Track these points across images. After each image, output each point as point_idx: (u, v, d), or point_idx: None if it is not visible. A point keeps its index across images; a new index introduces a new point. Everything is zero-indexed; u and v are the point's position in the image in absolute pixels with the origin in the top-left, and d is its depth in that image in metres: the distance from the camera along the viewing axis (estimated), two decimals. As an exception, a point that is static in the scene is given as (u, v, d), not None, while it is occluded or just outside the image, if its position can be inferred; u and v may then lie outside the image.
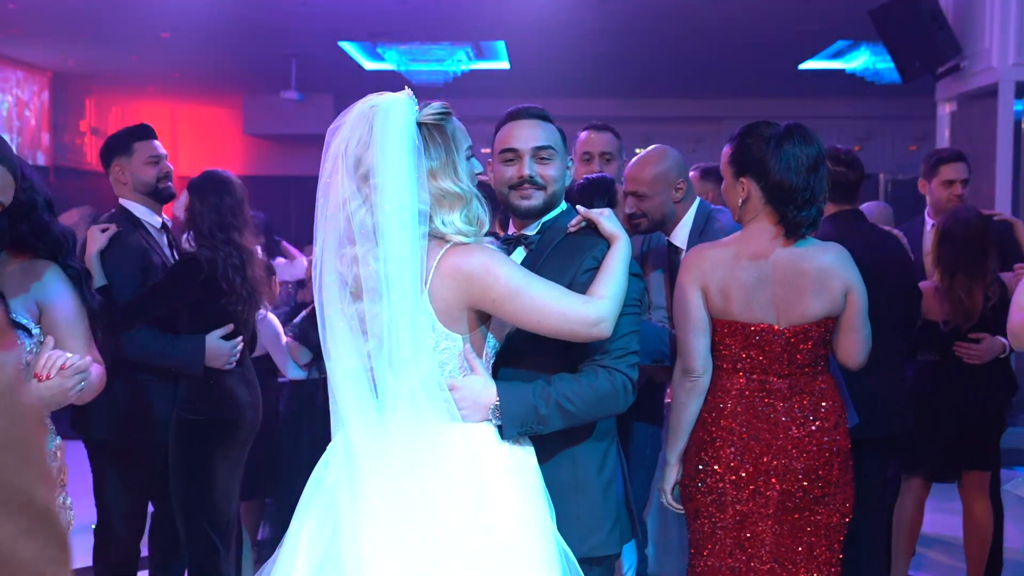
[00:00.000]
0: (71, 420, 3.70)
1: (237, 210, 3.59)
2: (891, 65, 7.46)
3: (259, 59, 9.80)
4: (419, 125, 2.12)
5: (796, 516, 2.73)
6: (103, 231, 3.56)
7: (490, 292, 2.09)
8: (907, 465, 4.09)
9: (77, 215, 6.12)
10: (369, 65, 10.19)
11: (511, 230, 2.52)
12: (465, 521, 2.03)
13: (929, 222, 4.47)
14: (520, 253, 2.45)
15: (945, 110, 7.32)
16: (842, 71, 10.27)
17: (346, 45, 9.41)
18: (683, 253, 3.26)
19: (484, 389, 2.13)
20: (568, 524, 2.26)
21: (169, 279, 3.53)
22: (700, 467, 2.79)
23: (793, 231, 2.70)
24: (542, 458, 2.28)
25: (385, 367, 2.06)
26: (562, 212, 2.46)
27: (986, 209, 4.82)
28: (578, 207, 2.40)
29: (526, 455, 2.20)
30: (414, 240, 2.06)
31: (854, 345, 2.80)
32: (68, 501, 2.41)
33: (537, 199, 2.40)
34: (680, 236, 3.35)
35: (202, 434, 3.54)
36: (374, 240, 2.06)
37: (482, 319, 2.17)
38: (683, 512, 2.87)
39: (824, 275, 2.71)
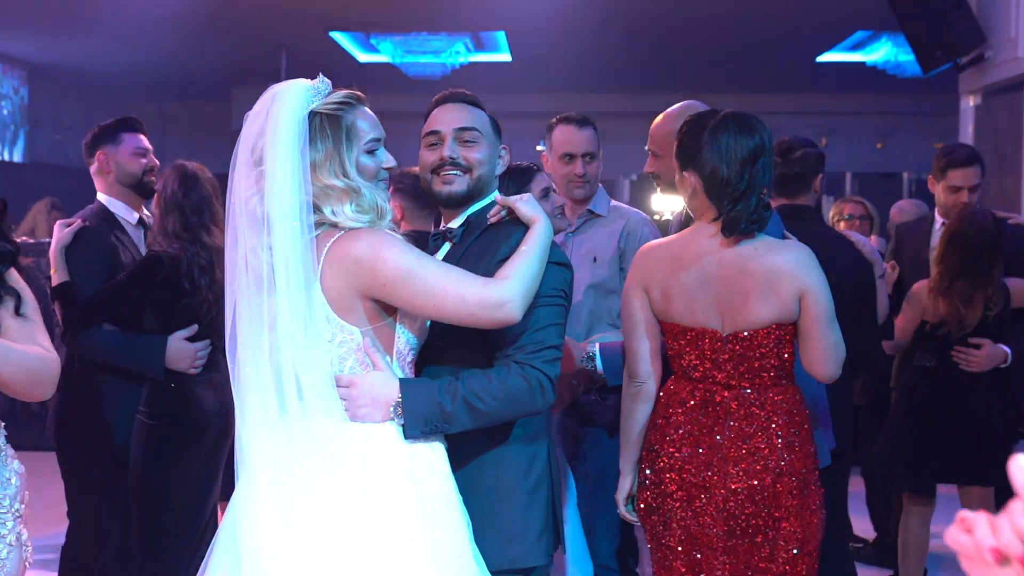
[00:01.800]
0: (46, 424, 3.75)
1: (204, 207, 3.58)
2: (913, 57, 7.46)
3: (247, 51, 9.83)
4: (313, 114, 2.13)
5: (746, 542, 2.64)
6: (68, 226, 3.59)
7: (378, 276, 2.08)
8: (904, 480, 4.06)
9: (35, 209, 6.20)
10: (363, 57, 10.21)
11: (441, 225, 2.49)
12: (356, 531, 2.01)
13: (939, 220, 4.38)
14: (446, 248, 2.43)
15: (969, 103, 7.31)
16: (862, 64, 10.26)
17: (338, 36, 9.43)
18: None
19: (384, 385, 2.11)
20: (489, 533, 2.24)
21: (129, 276, 3.54)
22: (646, 480, 2.74)
23: (730, 227, 2.62)
24: (463, 462, 2.26)
25: (285, 362, 2.07)
26: (489, 204, 2.43)
27: (1003, 211, 4.75)
28: (495, 195, 2.39)
29: (434, 458, 2.16)
30: (298, 229, 2.06)
31: (817, 355, 2.65)
32: (25, 536, 2.34)
33: (460, 184, 2.38)
34: None
35: (161, 440, 3.52)
36: (264, 229, 2.08)
37: (387, 311, 2.15)
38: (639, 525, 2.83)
39: (772, 277, 2.60)
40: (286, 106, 2.12)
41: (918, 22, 6.76)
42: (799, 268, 2.61)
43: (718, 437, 2.65)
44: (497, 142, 2.47)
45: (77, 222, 3.64)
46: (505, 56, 10.29)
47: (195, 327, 3.56)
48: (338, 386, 2.10)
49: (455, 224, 2.43)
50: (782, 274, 2.61)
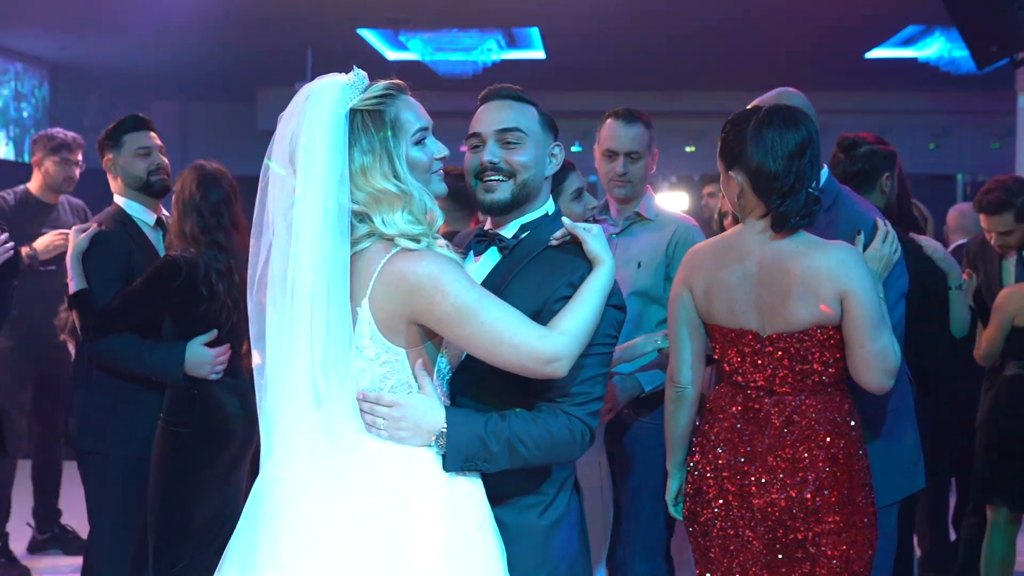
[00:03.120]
0: (65, 431, 3.83)
1: (223, 208, 3.61)
2: (968, 52, 7.39)
3: (272, 49, 9.92)
4: (353, 112, 2.09)
5: (787, 557, 2.63)
6: (83, 231, 3.64)
7: (435, 309, 2.05)
8: (989, 494, 4.04)
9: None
10: (391, 55, 10.27)
11: (487, 225, 2.47)
12: (387, 557, 2.00)
13: None
14: (494, 254, 2.40)
15: (1027, 101, 7.25)
16: (914, 60, 10.18)
17: (366, 33, 9.49)
18: None
19: (430, 412, 2.10)
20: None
21: (145, 282, 3.58)
22: (688, 488, 2.77)
23: (780, 223, 2.65)
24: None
25: (309, 373, 2.06)
26: (546, 216, 2.39)
27: None
28: (564, 219, 2.33)
29: (471, 486, 2.16)
30: (324, 243, 2.03)
31: (860, 364, 2.63)
32: None
33: (503, 191, 2.33)
34: None
35: (184, 448, 3.58)
36: (293, 238, 2.05)
37: (429, 335, 2.13)
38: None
39: (812, 277, 2.61)
40: (321, 106, 2.07)
41: (972, 16, 6.71)
42: (841, 269, 2.61)
43: (758, 445, 2.66)
44: (547, 140, 2.41)
45: (93, 226, 3.70)
46: (539, 53, 10.30)
47: (215, 332, 3.60)
48: (380, 404, 2.09)
49: (507, 232, 2.38)
50: (821, 274, 2.61)
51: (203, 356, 3.56)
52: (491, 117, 2.38)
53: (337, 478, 2.05)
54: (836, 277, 2.61)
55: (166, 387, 3.64)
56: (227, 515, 3.73)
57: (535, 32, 9.57)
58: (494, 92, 2.43)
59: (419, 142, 2.16)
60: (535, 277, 2.28)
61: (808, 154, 2.65)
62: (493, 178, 2.34)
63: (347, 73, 2.17)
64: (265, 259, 2.13)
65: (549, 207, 2.43)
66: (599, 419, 2.29)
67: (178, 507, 3.59)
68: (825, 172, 3.22)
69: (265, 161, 2.16)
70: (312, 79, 8.51)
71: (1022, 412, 4.00)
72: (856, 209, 3.11)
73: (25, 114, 10.95)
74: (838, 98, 11.91)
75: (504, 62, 10.11)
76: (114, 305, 3.57)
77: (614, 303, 2.28)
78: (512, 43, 10.02)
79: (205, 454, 3.61)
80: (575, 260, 2.26)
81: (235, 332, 3.70)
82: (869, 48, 10.04)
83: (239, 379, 3.75)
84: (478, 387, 2.28)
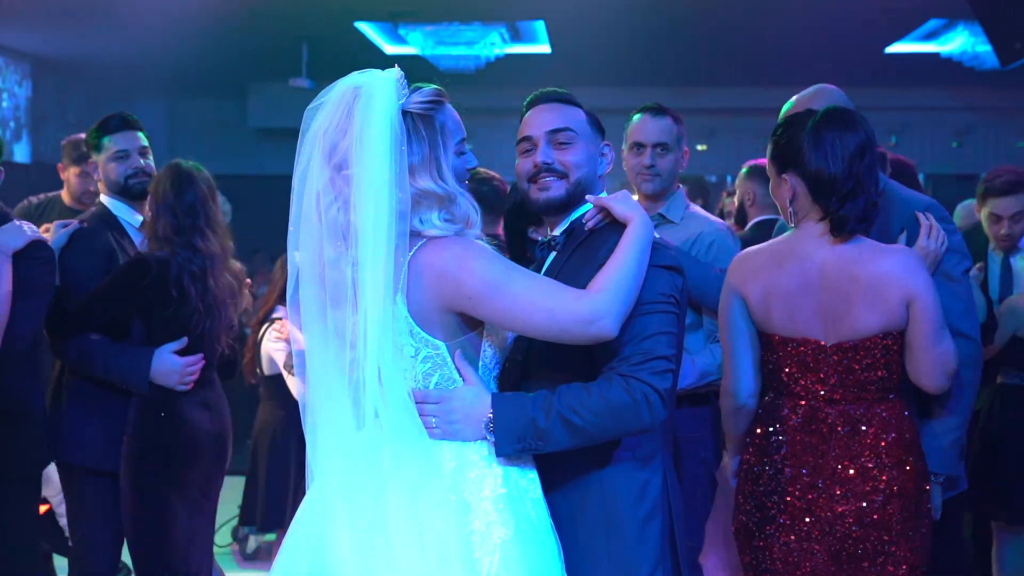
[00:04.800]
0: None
1: (199, 209, 3.59)
2: (991, 48, 7.40)
3: (265, 43, 9.93)
4: (404, 114, 2.14)
5: (853, 566, 2.68)
6: (64, 227, 3.63)
7: (464, 289, 2.10)
8: (986, 506, 4.05)
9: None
10: (390, 49, 10.29)
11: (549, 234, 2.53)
12: (442, 560, 2.02)
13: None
14: (552, 258, 2.46)
15: (1054, 98, 7.25)
16: (936, 55, 10.19)
17: (363, 26, 9.51)
18: None
19: (477, 400, 2.13)
20: (598, 565, 2.24)
21: (112, 281, 3.54)
22: (743, 503, 2.80)
23: (839, 227, 2.69)
24: (566, 487, 2.26)
25: (370, 380, 2.08)
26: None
27: None
28: (588, 196, 2.40)
29: (527, 484, 2.19)
30: (389, 243, 2.07)
31: (924, 366, 2.70)
32: None
33: (557, 190, 2.40)
34: None
35: (150, 464, 3.52)
36: (346, 241, 2.09)
37: (471, 324, 2.17)
38: None
39: (879, 282, 2.66)
40: (378, 104, 2.12)
41: (994, 10, 6.71)
42: (906, 273, 2.66)
43: (822, 457, 2.69)
44: (597, 140, 2.48)
45: (74, 223, 3.69)
46: (544, 47, 10.33)
47: (185, 340, 3.56)
48: (427, 402, 2.12)
49: (558, 231, 2.45)
50: (889, 279, 2.66)
51: (171, 365, 3.51)
52: (541, 119, 2.44)
53: (397, 489, 2.05)
54: (902, 282, 2.66)
55: (132, 396, 3.56)
56: (205, 536, 3.70)
57: (540, 25, 9.58)
58: (541, 96, 2.50)
59: (460, 153, 2.24)
60: (579, 260, 2.34)
61: (867, 157, 2.70)
62: (547, 178, 2.41)
63: (385, 70, 2.22)
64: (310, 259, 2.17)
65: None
66: (670, 380, 2.23)
67: (151, 527, 3.53)
68: None
69: (298, 155, 2.18)
70: (307, 75, 8.54)
71: (1013, 422, 4.01)
72: (905, 192, 3.19)
73: (4, 104, 10.95)
74: (857, 94, 11.80)
75: (508, 56, 10.13)
76: (81, 303, 3.53)
77: (665, 264, 2.29)
78: (516, 37, 10.04)
79: (172, 472, 3.54)
80: (611, 231, 2.31)
81: (207, 339, 3.65)
82: (889, 42, 10.06)
83: (211, 391, 3.72)
84: (528, 381, 2.31)
